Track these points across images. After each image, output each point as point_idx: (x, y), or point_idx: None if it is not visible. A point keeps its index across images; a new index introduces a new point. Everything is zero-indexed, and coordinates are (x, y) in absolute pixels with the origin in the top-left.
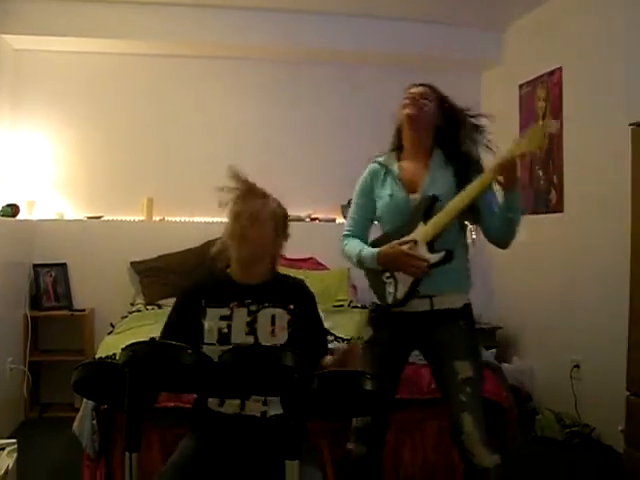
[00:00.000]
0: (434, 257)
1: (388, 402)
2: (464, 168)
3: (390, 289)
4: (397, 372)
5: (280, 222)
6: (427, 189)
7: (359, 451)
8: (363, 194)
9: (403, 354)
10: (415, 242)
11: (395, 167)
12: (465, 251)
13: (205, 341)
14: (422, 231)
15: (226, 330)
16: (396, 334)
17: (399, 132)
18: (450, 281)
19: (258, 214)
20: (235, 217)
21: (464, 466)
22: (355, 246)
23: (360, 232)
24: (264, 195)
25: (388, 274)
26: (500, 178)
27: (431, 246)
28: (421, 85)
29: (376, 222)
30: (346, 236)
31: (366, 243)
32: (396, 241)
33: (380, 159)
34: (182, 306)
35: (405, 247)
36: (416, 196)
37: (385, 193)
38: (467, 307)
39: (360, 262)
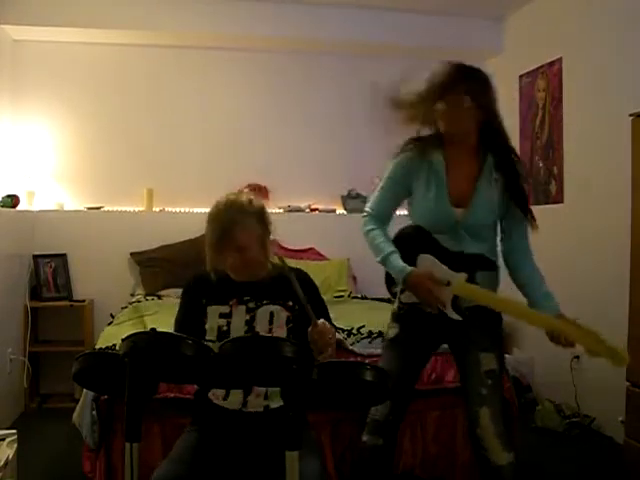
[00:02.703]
0: (453, 314)
1: (410, 394)
2: (512, 182)
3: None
4: (422, 366)
5: (263, 231)
6: (474, 208)
7: (376, 443)
8: (396, 182)
9: (430, 349)
10: (448, 283)
11: (440, 166)
12: (495, 246)
13: (206, 338)
14: (459, 284)
15: (225, 328)
16: (425, 332)
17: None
18: (482, 264)
19: (242, 244)
20: (219, 250)
21: (478, 464)
22: (383, 242)
23: (384, 216)
24: (241, 211)
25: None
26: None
27: (455, 302)
28: (457, 80)
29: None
30: (370, 216)
31: (387, 226)
32: (431, 273)
33: (418, 146)
34: (185, 304)
35: (433, 285)
36: (461, 211)
37: (428, 196)
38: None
39: (382, 262)
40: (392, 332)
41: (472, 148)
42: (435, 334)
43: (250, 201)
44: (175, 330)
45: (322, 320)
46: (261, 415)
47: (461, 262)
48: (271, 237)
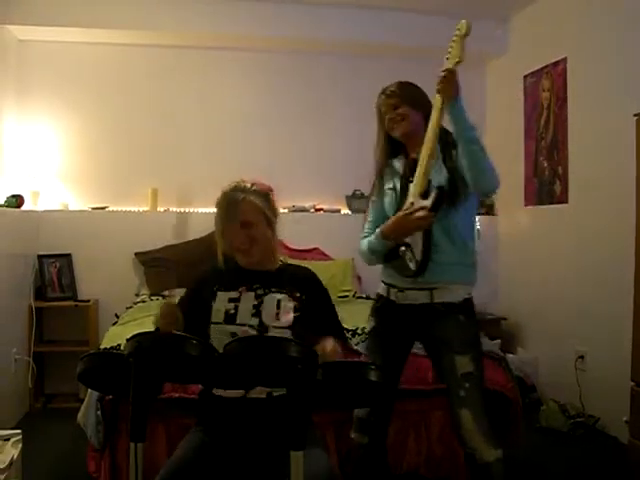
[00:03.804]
0: (429, 200)
1: (390, 392)
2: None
3: (409, 256)
4: (400, 363)
5: (268, 210)
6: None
7: (361, 440)
8: (376, 194)
9: (405, 345)
10: (412, 203)
11: (398, 164)
12: (471, 243)
13: (212, 320)
14: (412, 189)
15: (233, 311)
16: (398, 325)
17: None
18: (454, 271)
19: (247, 219)
20: (226, 232)
21: (466, 463)
22: (365, 241)
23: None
24: (243, 191)
25: (402, 247)
26: (445, 92)
27: (425, 195)
28: (392, 95)
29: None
30: (363, 237)
31: None
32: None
33: (389, 162)
34: (196, 291)
35: (401, 212)
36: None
37: (388, 187)
38: (467, 301)
39: (372, 250)
40: (369, 325)
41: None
42: (408, 328)
43: (254, 184)
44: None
45: (331, 345)
46: (264, 402)
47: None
48: (277, 227)
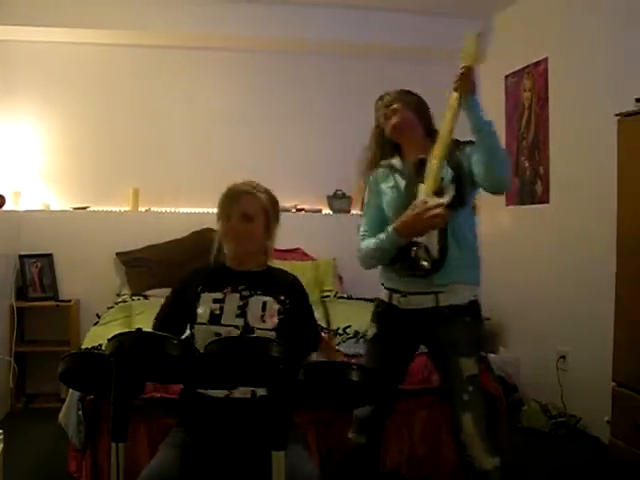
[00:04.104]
0: (446, 198)
1: (393, 393)
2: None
3: (422, 255)
4: (404, 365)
5: (271, 213)
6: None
7: (359, 440)
8: (371, 205)
9: (410, 349)
10: (424, 202)
11: (398, 163)
12: (475, 243)
13: (197, 321)
14: (424, 188)
15: (218, 312)
16: (402, 330)
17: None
18: (462, 272)
19: (248, 212)
20: (227, 217)
21: (464, 470)
22: (371, 240)
23: (377, 231)
24: (253, 188)
25: (414, 247)
26: (462, 88)
27: (439, 193)
28: (387, 95)
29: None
30: (362, 238)
31: None
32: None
33: (382, 163)
34: (179, 292)
35: (415, 209)
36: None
37: (388, 186)
38: (473, 303)
39: (381, 249)
40: (371, 332)
41: (422, 139)
42: (412, 333)
43: (267, 193)
44: (157, 316)
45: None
46: (248, 402)
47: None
48: (276, 232)
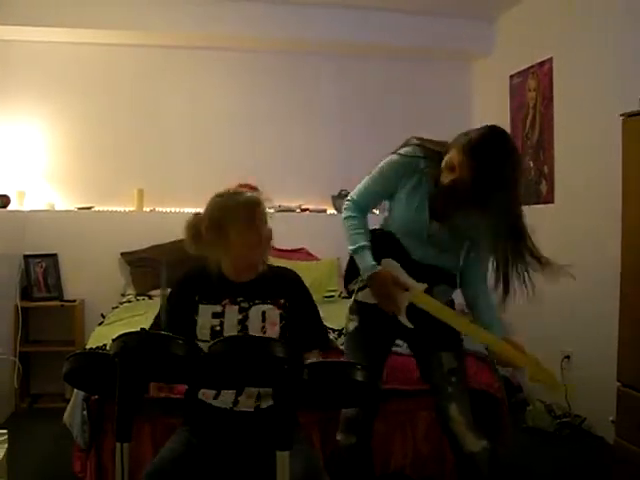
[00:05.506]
0: (406, 321)
1: (377, 391)
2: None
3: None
4: (382, 361)
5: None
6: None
7: (348, 441)
8: (387, 180)
9: (387, 343)
10: (407, 290)
11: (429, 180)
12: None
13: (198, 338)
14: (417, 292)
15: (218, 327)
16: (380, 324)
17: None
18: (442, 277)
19: (265, 218)
20: (247, 227)
21: (454, 456)
22: (361, 233)
23: (366, 207)
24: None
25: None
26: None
27: (411, 310)
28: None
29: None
30: (354, 202)
31: (366, 218)
32: (396, 277)
33: (421, 156)
34: (176, 298)
35: (394, 288)
36: (435, 225)
37: (411, 206)
38: (450, 302)
39: (354, 252)
40: (352, 325)
41: None
42: (392, 328)
43: (247, 185)
44: (153, 323)
45: None
46: (252, 415)
47: (424, 273)
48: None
